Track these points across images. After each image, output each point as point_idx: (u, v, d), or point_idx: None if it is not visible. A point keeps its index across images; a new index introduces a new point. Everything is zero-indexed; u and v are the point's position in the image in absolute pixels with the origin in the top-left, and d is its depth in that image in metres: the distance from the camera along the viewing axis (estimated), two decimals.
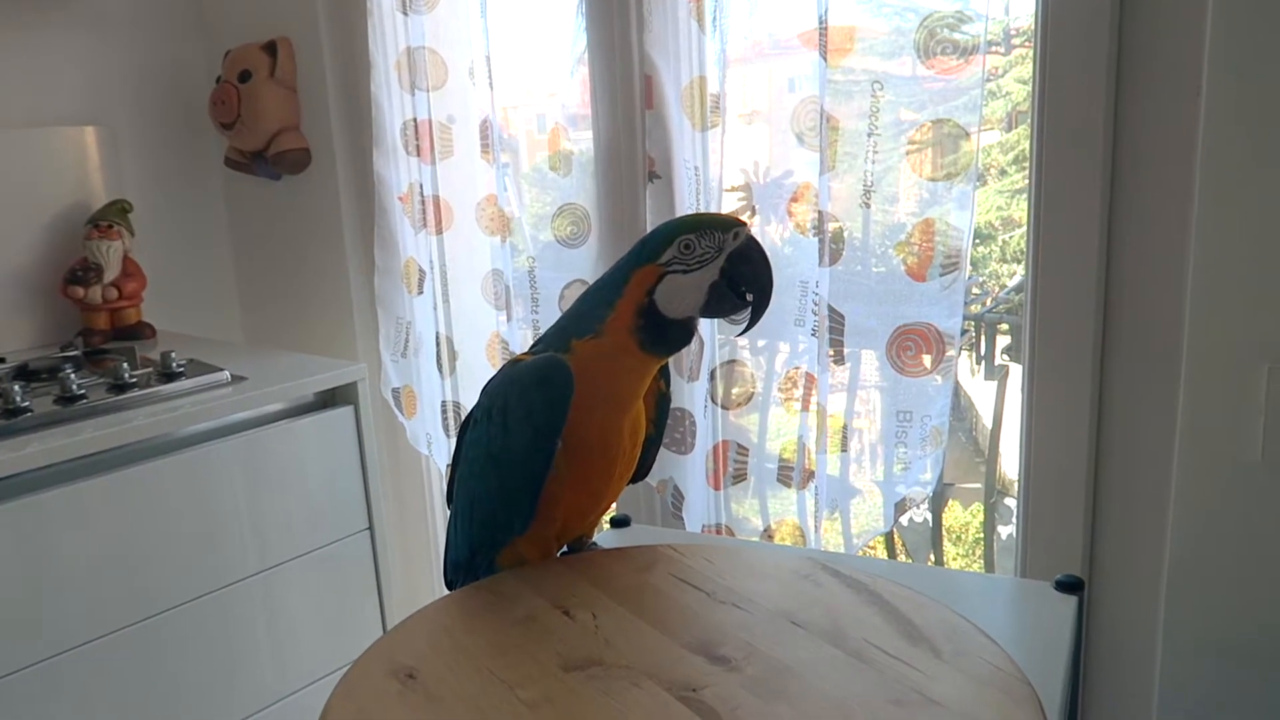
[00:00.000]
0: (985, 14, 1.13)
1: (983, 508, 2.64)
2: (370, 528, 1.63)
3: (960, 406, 2.70)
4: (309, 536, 1.56)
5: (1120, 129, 1.09)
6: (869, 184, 1.23)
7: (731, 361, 1.44)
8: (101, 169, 1.90)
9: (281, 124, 1.88)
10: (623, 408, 0.82)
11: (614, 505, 0.99)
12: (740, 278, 0.79)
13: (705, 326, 1.41)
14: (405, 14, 1.64)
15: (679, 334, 0.81)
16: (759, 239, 0.80)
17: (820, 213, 1.26)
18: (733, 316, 0.83)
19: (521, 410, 0.79)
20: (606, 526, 1.11)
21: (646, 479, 0.94)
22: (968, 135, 1.16)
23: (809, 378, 1.34)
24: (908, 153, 1.20)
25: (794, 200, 1.33)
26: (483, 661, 0.70)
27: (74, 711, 1.31)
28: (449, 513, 0.90)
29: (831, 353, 1.31)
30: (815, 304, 1.30)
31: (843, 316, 1.28)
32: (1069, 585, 0.89)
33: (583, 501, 0.84)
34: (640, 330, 0.79)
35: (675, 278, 0.78)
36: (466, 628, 0.75)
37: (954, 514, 2.85)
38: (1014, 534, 1.73)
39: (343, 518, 1.60)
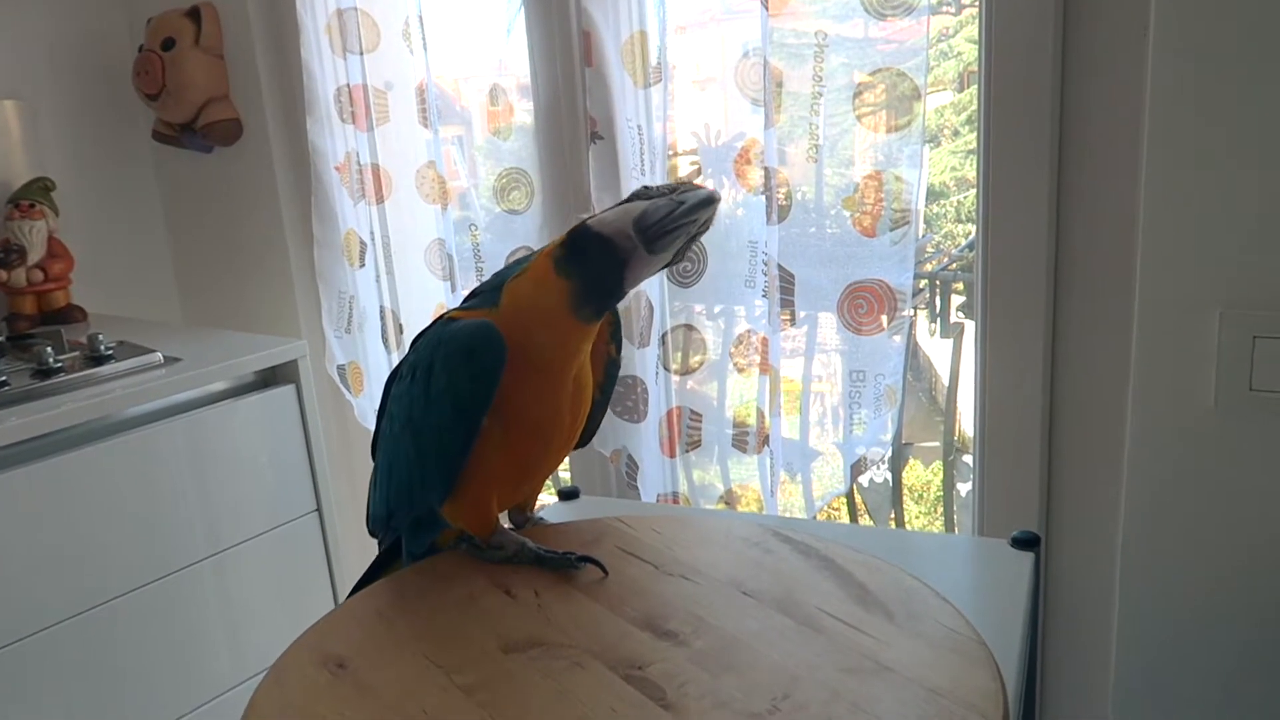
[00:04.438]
0: None
1: (942, 465, 2.65)
2: (319, 509, 1.59)
3: (919, 366, 2.70)
4: (257, 519, 1.51)
5: (1067, 83, 1.07)
6: (818, 143, 1.20)
7: (686, 326, 1.40)
8: (21, 145, 1.81)
9: (209, 94, 1.80)
10: (560, 379, 0.76)
11: (564, 475, 0.95)
12: (684, 197, 0.70)
13: (654, 291, 1.37)
14: None
15: (602, 270, 0.71)
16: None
17: (767, 169, 1.22)
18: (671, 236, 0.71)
19: (445, 379, 0.73)
20: (554, 499, 1.08)
21: (599, 448, 0.90)
22: (920, 95, 1.13)
23: (762, 340, 1.31)
24: (859, 115, 1.18)
25: (743, 161, 1.29)
26: (418, 646, 0.66)
27: (19, 709, 1.26)
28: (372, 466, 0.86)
29: (785, 314, 1.28)
30: (765, 264, 1.27)
31: (793, 276, 1.25)
32: (1025, 542, 0.87)
33: (514, 476, 0.80)
34: (564, 252, 0.71)
35: (618, 207, 0.71)
36: (402, 611, 0.72)
37: (915, 473, 2.85)
38: (972, 491, 1.73)
39: (290, 499, 1.56)
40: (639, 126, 1.33)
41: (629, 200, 0.72)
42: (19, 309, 1.74)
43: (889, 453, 1.29)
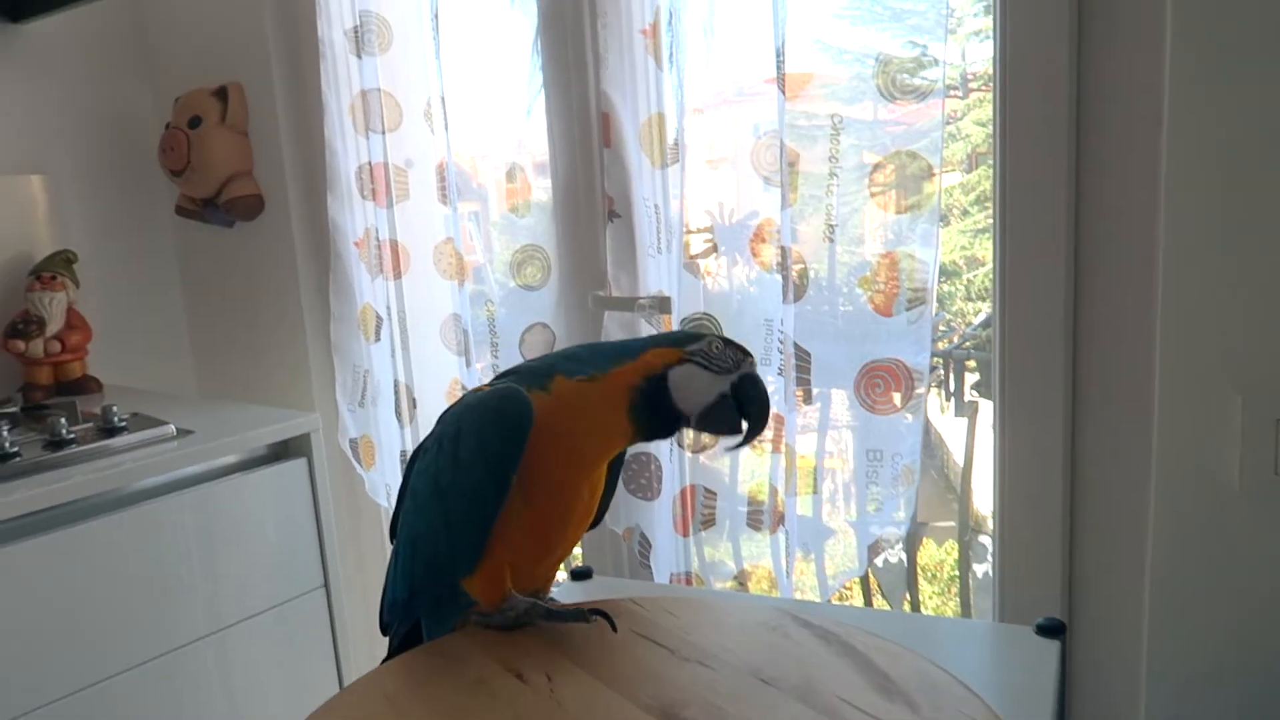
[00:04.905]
0: (943, 59, 1.12)
1: (957, 546, 2.61)
2: (326, 584, 1.57)
3: (930, 444, 2.68)
4: (263, 595, 1.49)
5: (1083, 165, 1.08)
6: (832, 223, 1.21)
7: None
8: (46, 219, 1.85)
9: (233, 170, 1.83)
10: (588, 464, 0.78)
11: (574, 555, 0.94)
12: (744, 398, 0.77)
13: None
14: (359, 56, 1.61)
15: (667, 422, 0.77)
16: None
17: (783, 248, 1.23)
18: (723, 438, 0.80)
19: (474, 441, 0.74)
20: (566, 579, 1.06)
21: (612, 526, 0.90)
22: (930, 175, 1.14)
23: (777, 418, 1.30)
24: (871, 194, 1.19)
25: (758, 240, 1.30)
26: None
27: None
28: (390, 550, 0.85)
29: (799, 392, 1.27)
30: (781, 342, 1.27)
31: (809, 354, 1.24)
32: (1050, 629, 0.85)
33: (534, 550, 0.79)
34: (638, 394, 0.75)
35: (695, 369, 0.76)
36: (410, 694, 0.70)
37: (928, 552, 2.81)
38: (990, 573, 1.70)
39: (297, 575, 1.54)
40: (656, 205, 1.34)
41: (707, 339, 0.77)
42: (35, 379, 1.75)
43: (905, 533, 1.26)
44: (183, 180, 1.85)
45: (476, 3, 1.58)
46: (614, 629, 0.76)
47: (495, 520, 0.75)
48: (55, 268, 1.78)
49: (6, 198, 1.80)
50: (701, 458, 1.41)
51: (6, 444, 1.31)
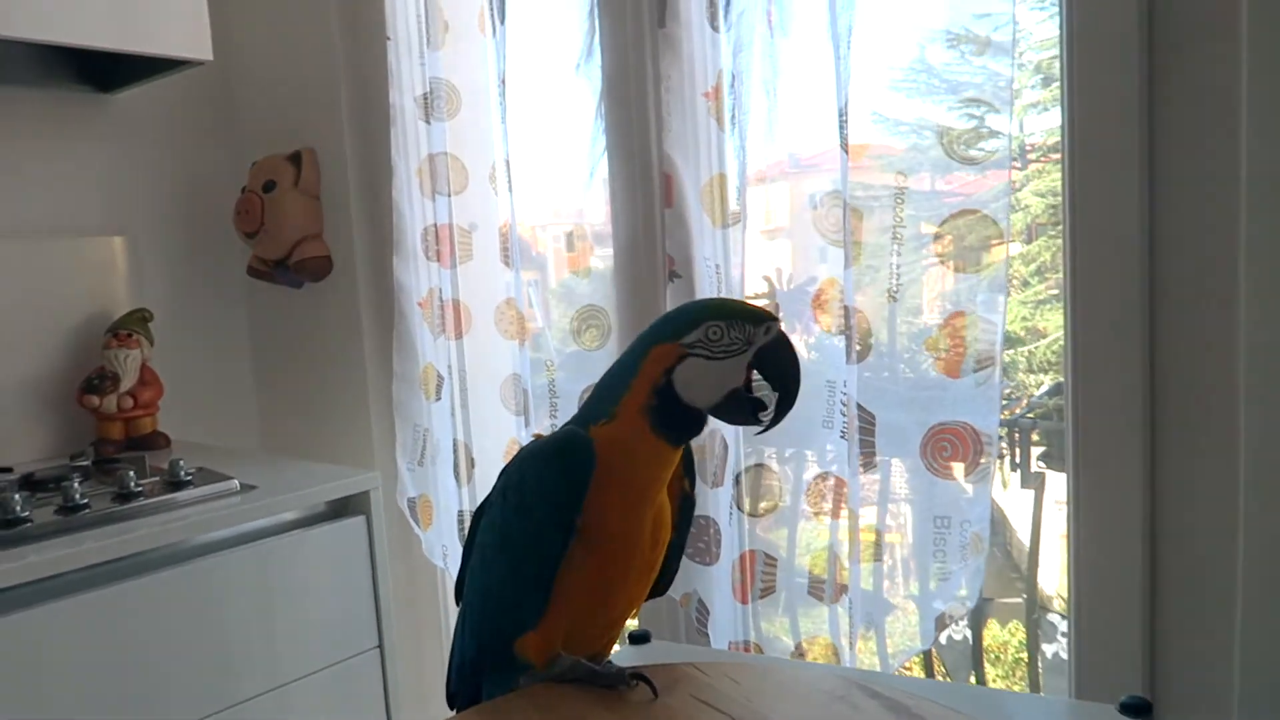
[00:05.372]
0: (1007, 131, 1.12)
1: (1023, 625, 2.50)
2: (380, 645, 1.55)
3: (992, 518, 2.59)
4: (318, 654, 1.48)
5: (1157, 233, 1.06)
6: (895, 286, 1.19)
7: (758, 466, 1.37)
8: (125, 278, 1.91)
9: (304, 232, 1.88)
10: (642, 497, 0.77)
11: (633, 618, 0.92)
12: (766, 376, 0.75)
13: (729, 428, 1.35)
14: (428, 122, 1.65)
15: (692, 420, 0.76)
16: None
17: (846, 308, 1.21)
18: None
19: (537, 484, 0.75)
20: (625, 644, 1.03)
21: (670, 593, 0.88)
22: (990, 245, 1.13)
23: (839, 483, 1.28)
24: (938, 259, 1.19)
25: (818, 304, 1.29)
26: None
27: None
28: (458, 612, 0.84)
29: (862, 457, 1.24)
30: (844, 404, 1.24)
31: (873, 416, 1.22)
32: (1136, 708, 0.80)
33: (595, 602, 0.78)
34: (653, 412, 0.74)
35: (697, 362, 0.74)
36: None
37: (991, 632, 2.70)
38: (1060, 653, 1.62)
39: (353, 634, 1.53)
40: (717, 265, 1.34)
41: (703, 325, 0.74)
42: (107, 434, 1.79)
43: (973, 607, 1.21)
44: (255, 242, 1.90)
45: (542, 69, 1.62)
46: (654, 694, 0.74)
47: (560, 565, 0.74)
48: (131, 325, 1.83)
49: (89, 258, 1.86)
50: (762, 523, 1.38)
51: (78, 496, 1.34)
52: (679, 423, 0.75)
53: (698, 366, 0.74)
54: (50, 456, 1.77)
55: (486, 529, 0.80)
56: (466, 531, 1.72)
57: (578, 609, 0.76)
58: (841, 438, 1.25)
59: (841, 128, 1.18)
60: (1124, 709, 0.80)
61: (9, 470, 1.51)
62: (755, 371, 0.75)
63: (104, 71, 1.79)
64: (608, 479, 0.74)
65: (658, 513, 0.79)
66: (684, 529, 0.86)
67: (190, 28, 1.60)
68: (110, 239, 1.89)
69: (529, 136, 1.59)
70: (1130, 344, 1.06)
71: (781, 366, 0.75)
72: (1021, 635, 2.47)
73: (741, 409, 0.75)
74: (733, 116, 1.30)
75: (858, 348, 1.22)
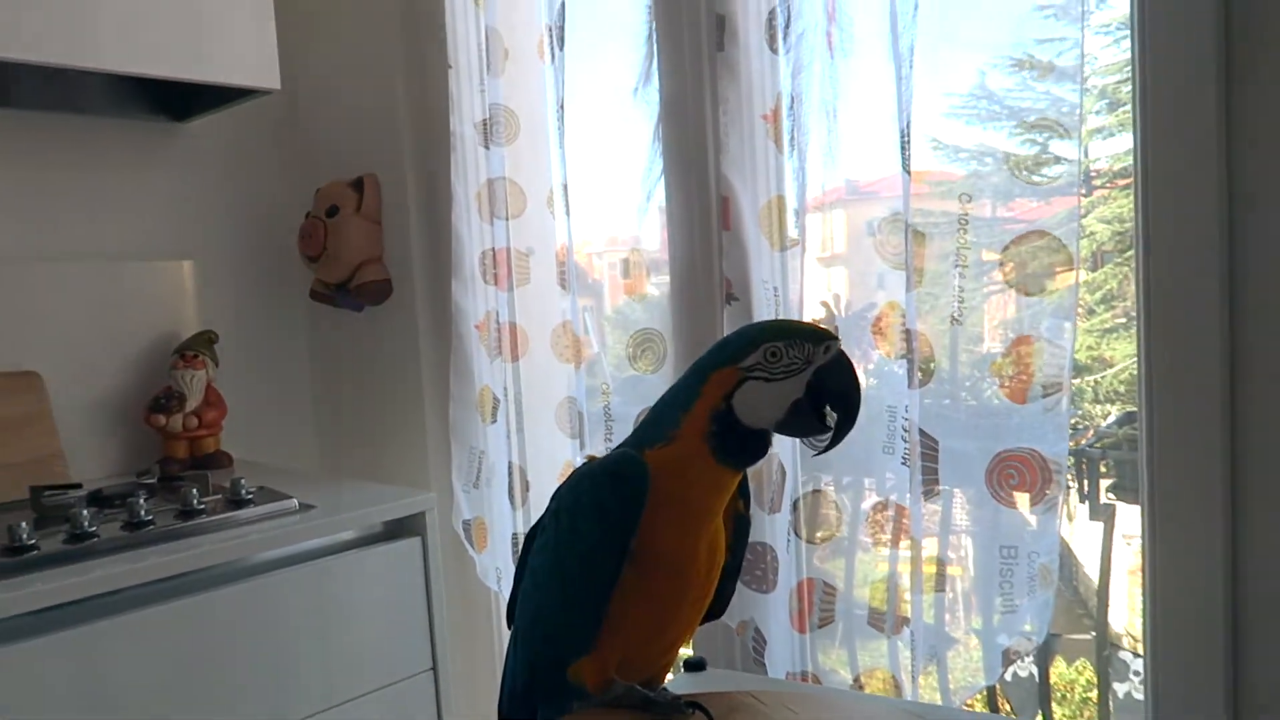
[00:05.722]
0: (1076, 157, 1.11)
1: (1091, 663, 2.42)
2: (434, 668, 1.55)
3: (1060, 551, 2.51)
4: (372, 675, 1.48)
5: (1236, 249, 1.02)
6: (957, 313, 1.17)
7: (816, 491, 1.35)
8: (192, 301, 1.95)
9: (365, 256, 1.91)
10: (698, 521, 0.75)
11: (688, 645, 0.90)
12: (826, 395, 0.73)
13: (787, 454, 1.33)
14: (487, 147, 1.67)
15: (755, 445, 0.75)
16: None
17: (908, 331, 1.19)
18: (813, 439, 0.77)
19: (591, 506, 0.74)
20: (680, 671, 1.01)
21: (725, 620, 0.86)
22: (1054, 273, 1.10)
23: (899, 510, 1.25)
24: (1005, 282, 1.17)
25: (878, 329, 1.27)
26: None
27: None
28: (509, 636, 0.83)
29: (924, 484, 1.21)
30: (905, 429, 1.21)
31: (936, 441, 1.19)
32: None
33: (649, 627, 0.76)
34: (713, 437, 0.73)
35: (757, 385, 0.73)
36: None
37: (1058, 669, 2.61)
38: (1132, 692, 1.56)
39: (407, 656, 1.53)
40: (775, 288, 1.33)
41: (762, 348, 0.73)
42: (172, 453, 1.83)
43: (1041, 641, 1.17)
44: (318, 266, 1.93)
45: (601, 94, 1.63)
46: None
47: (614, 589, 0.73)
48: (198, 347, 1.87)
49: (159, 281, 1.91)
50: (820, 551, 1.36)
51: (143, 513, 1.36)
52: (741, 447, 0.74)
53: (757, 390, 0.73)
54: (118, 474, 1.81)
55: (539, 551, 0.79)
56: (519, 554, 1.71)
57: (632, 634, 0.75)
58: (903, 464, 1.23)
59: (904, 149, 1.16)
60: None
61: (78, 486, 1.54)
62: (815, 390, 0.73)
63: (178, 100, 1.85)
64: (663, 502, 0.73)
65: (713, 536, 0.78)
66: (739, 551, 0.84)
67: (259, 57, 1.65)
68: (179, 263, 1.94)
69: (586, 161, 1.60)
70: (1209, 371, 1.02)
71: (842, 385, 0.73)
72: (1090, 674, 2.38)
73: (807, 419, 0.73)
74: (791, 139, 1.29)
75: (919, 373, 1.19)
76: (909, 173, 1.17)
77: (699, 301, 1.45)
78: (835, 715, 0.75)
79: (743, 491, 0.82)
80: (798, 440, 1.32)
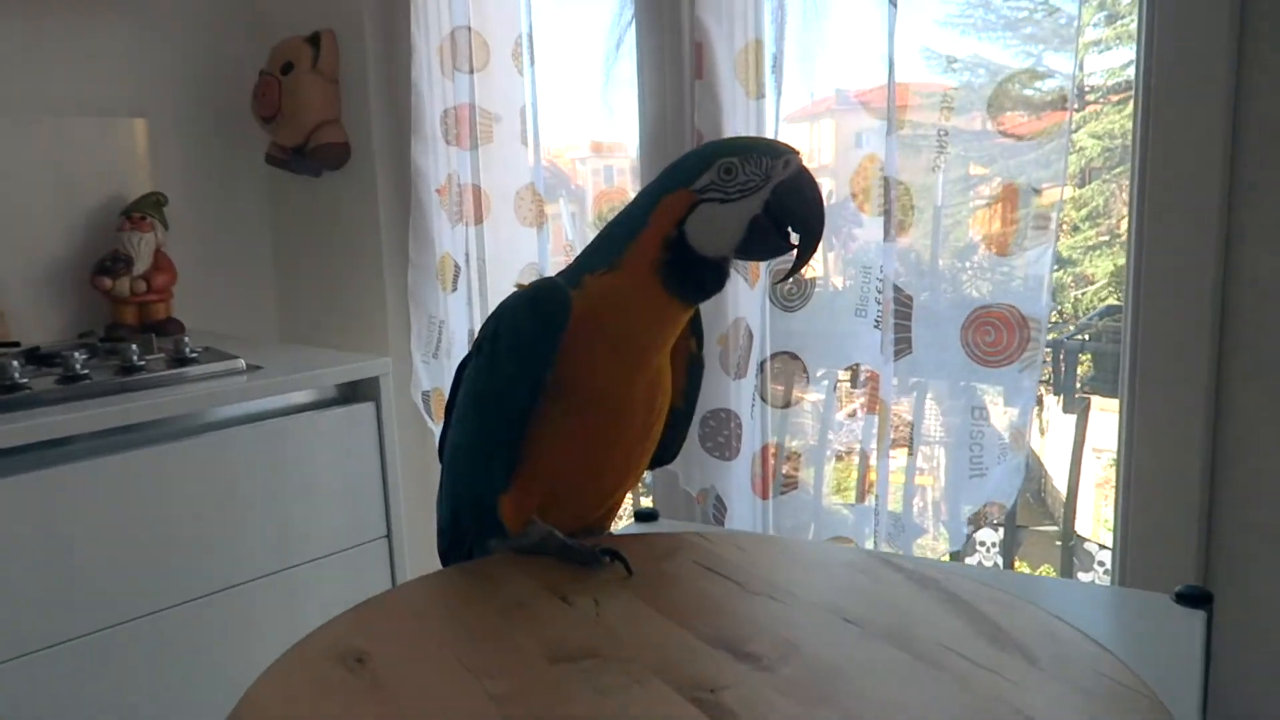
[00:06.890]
0: (1069, 71, 1.05)
1: (1059, 549, 2.43)
2: (389, 534, 1.52)
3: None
4: (326, 539, 1.46)
5: (1238, 162, 0.96)
6: (945, 152, 1.10)
7: (784, 354, 1.29)
8: (143, 162, 1.85)
9: (322, 117, 1.80)
10: (637, 357, 0.69)
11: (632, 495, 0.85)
12: (786, 213, 0.66)
13: (755, 317, 1.27)
14: None
15: (711, 276, 0.67)
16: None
17: (886, 179, 1.12)
18: (774, 261, 0.70)
19: (508, 336, 0.68)
20: (629, 520, 0.97)
21: (686, 487, 0.80)
22: (1038, 192, 1.05)
23: (871, 375, 1.19)
24: (975, 208, 1.12)
25: (858, 185, 1.19)
26: (451, 648, 0.56)
27: (80, 699, 1.22)
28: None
29: (896, 344, 1.15)
30: (879, 290, 1.15)
31: (910, 299, 1.13)
32: (1193, 598, 0.72)
33: (579, 469, 0.71)
34: (665, 267, 0.66)
35: (711, 207, 0.66)
36: (440, 610, 0.62)
37: (1023, 569, 2.63)
38: (1096, 581, 1.53)
39: (361, 521, 1.50)
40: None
41: (715, 165, 0.66)
42: (121, 318, 1.75)
43: (1012, 506, 1.13)
44: (273, 127, 1.83)
45: None
46: (629, 572, 0.66)
47: (528, 421, 0.67)
48: (145, 209, 1.78)
49: (108, 139, 1.81)
50: (789, 417, 1.30)
51: (78, 367, 1.30)
52: (695, 278, 0.67)
53: (711, 212, 0.66)
54: (62, 340, 1.74)
55: (463, 384, 0.74)
56: None
57: (561, 474, 0.70)
58: (875, 327, 1.17)
59: (890, 89, 1.08)
60: (1180, 598, 0.72)
61: (16, 344, 1.47)
62: (775, 209, 0.66)
63: None
64: (596, 333, 0.67)
65: (656, 375, 0.72)
66: (692, 395, 0.78)
67: None
68: (130, 120, 1.83)
69: (553, 7, 1.49)
70: (1202, 276, 0.97)
71: (804, 202, 0.66)
72: (1054, 568, 2.39)
73: (769, 237, 0.66)
74: None
75: (899, 220, 1.12)
76: (894, 4, 1.08)
77: (668, 156, 1.36)
78: (787, 554, 0.71)
79: (695, 330, 0.76)
80: (766, 302, 1.26)
